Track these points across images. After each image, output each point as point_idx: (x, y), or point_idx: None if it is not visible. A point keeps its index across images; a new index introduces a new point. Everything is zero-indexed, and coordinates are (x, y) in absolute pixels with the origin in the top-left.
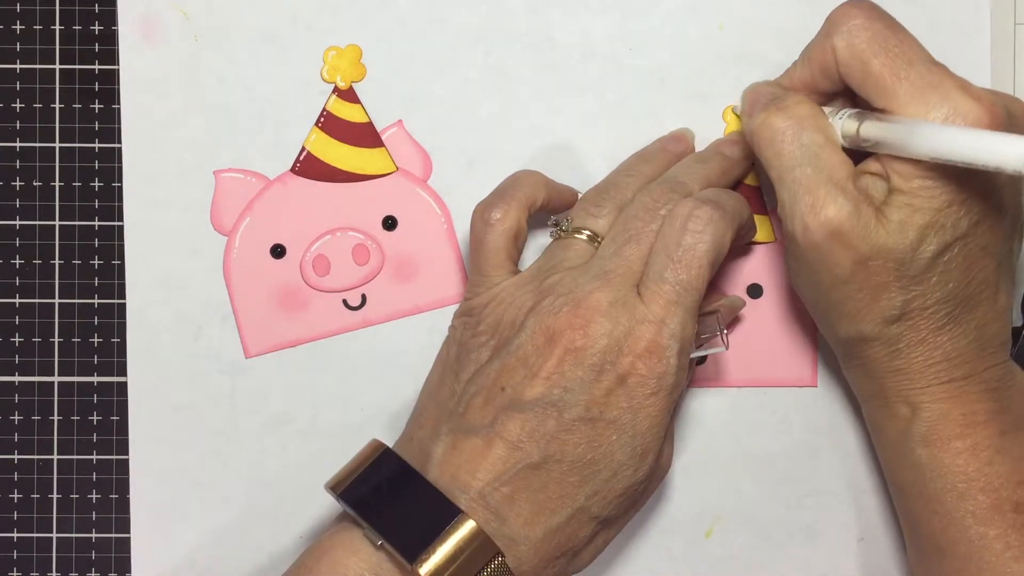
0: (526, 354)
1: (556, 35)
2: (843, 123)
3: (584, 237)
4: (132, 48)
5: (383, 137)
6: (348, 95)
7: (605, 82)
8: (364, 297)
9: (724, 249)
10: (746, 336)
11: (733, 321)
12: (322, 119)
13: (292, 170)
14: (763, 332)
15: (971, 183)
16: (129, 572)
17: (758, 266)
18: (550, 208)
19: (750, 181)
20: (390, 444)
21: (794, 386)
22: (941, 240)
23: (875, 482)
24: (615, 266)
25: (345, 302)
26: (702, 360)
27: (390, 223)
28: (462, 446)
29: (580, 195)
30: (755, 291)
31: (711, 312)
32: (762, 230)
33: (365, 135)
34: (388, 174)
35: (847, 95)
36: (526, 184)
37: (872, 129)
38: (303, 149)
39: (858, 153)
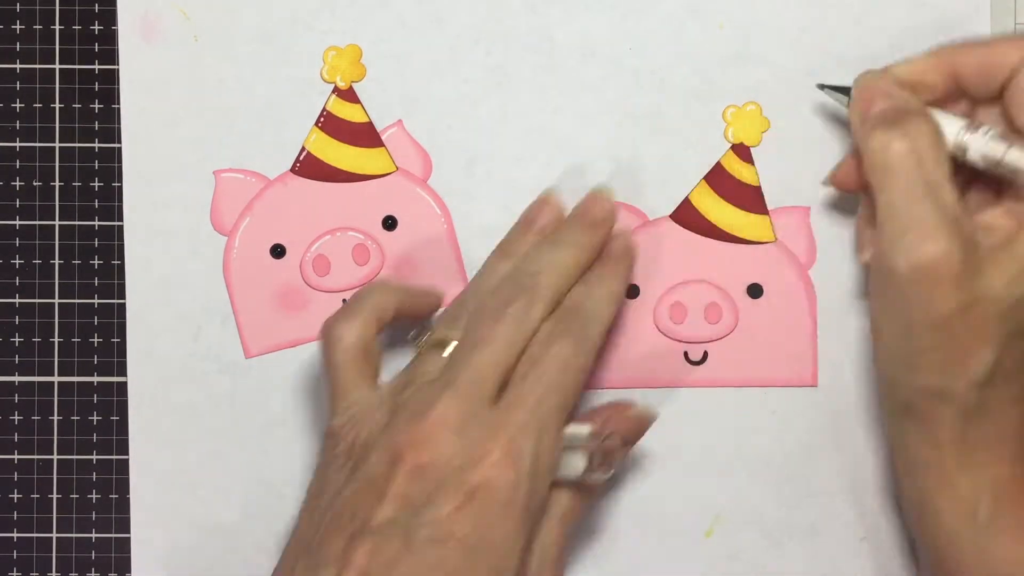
0: (374, 476)
1: (556, 35)
2: (987, 143)
3: (441, 349)
4: (132, 48)
5: (383, 137)
6: (348, 95)
7: (605, 82)
8: None
9: (590, 359)
10: (745, 336)
11: (726, 326)
12: (322, 119)
13: (292, 170)
14: (763, 332)
15: None
16: (129, 572)
17: (758, 266)
18: (408, 316)
19: (750, 180)
20: None
21: (794, 386)
22: None
23: (876, 482)
24: (462, 375)
25: (345, 302)
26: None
27: (390, 223)
28: None
29: (444, 296)
30: (755, 291)
31: (600, 434)
32: (762, 230)
33: (365, 135)
34: (388, 174)
35: (957, 102)
36: (374, 295)
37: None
38: (303, 149)
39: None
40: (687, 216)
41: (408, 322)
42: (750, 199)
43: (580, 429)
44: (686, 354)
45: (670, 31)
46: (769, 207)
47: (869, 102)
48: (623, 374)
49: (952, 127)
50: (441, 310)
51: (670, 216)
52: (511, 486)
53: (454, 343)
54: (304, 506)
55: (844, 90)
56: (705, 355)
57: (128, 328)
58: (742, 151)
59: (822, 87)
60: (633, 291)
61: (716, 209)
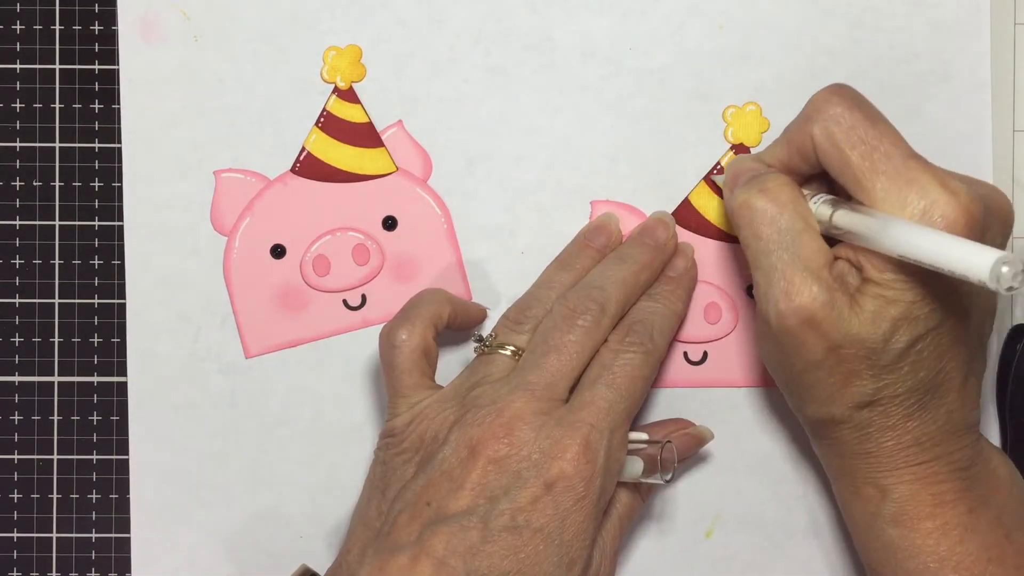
0: (450, 467)
1: (556, 35)
2: (817, 208)
3: (507, 352)
4: (132, 48)
5: (383, 137)
6: (348, 95)
7: (605, 82)
8: (364, 297)
9: (655, 370)
10: (745, 336)
11: (726, 326)
12: (322, 119)
13: (292, 170)
14: None
15: (943, 280)
16: (129, 572)
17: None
18: (457, 324)
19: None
20: None
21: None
22: (913, 332)
23: None
24: (536, 378)
25: (345, 302)
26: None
27: (390, 223)
28: (388, 567)
29: (488, 310)
30: (751, 289)
31: (660, 441)
32: None
33: (365, 135)
34: (388, 174)
35: (827, 178)
36: (430, 302)
37: (845, 219)
38: (303, 149)
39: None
40: (687, 216)
41: (458, 329)
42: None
43: (640, 435)
44: (686, 354)
45: (670, 31)
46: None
47: (736, 176)
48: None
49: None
50: (497, 316)
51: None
52: (586, 480)
53: (521, 348)
54: (366, 498)
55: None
56: (705, 355)
57: (128, 328)
58: (742, 151)
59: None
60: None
61: (716, 209)
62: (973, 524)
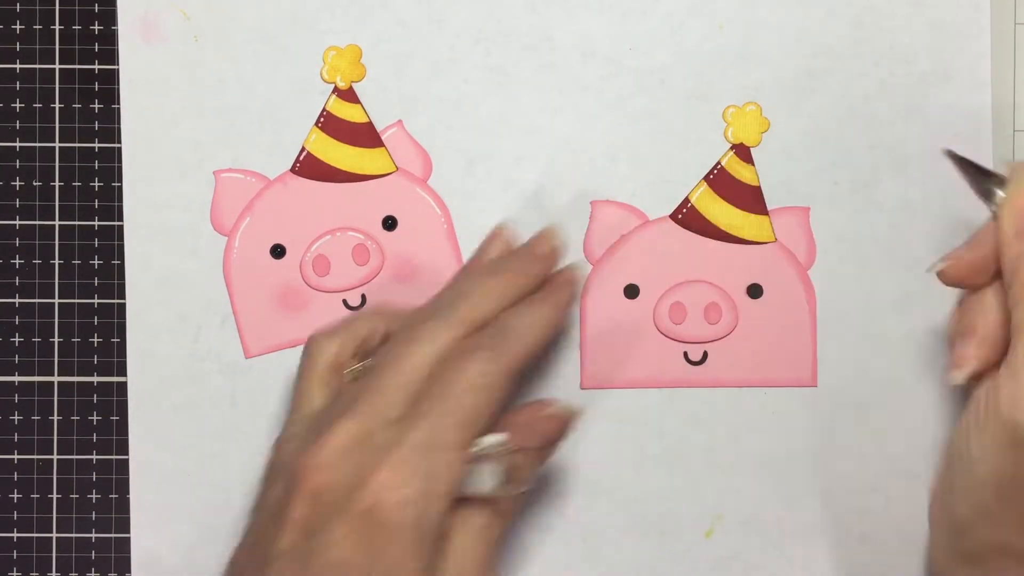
0: (277, 502)
1: (556, 35)
2: None
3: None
4: (132, 48)
5: (383, 137)
6: (348, 95)
7: (605, 82)
8: (364, 297)
9: (503, 377)
10: (745, 336)
11: (726, 326)
12: (322, 119)
13: (292, 170)
14: (763, 332)
15: None
16: (129, 572)
17: (758, 266)
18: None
19: (750, 180)
20: None
21: (794, 386)
22: None
23: (876, 482)
24: (363, 397)
25: (345, 302)
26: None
27: (390, 223)
28: None
29: None
30: (755, 291)
31: (510, 448)
32: (762, 230)
33: (365, 135)
34: (388, 174)
35: None
36: (364, 319)
37: None
38: (303, 149)
39: None
40: (687, 216)
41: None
42: (750, 199)
43: (492, 440)
44: (686, 354)
45: (670, 31)
46: (769, 207)
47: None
48: (624, 375)
49: None
50: None
51: (670, 216)
52: (399, 507)
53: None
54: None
55: (987, 174)
56: (705, 355)
57: (128, 328)
58: (742, 151)
59: (951, 156)
60: (633, 291)
61: (716, 209)
62: None
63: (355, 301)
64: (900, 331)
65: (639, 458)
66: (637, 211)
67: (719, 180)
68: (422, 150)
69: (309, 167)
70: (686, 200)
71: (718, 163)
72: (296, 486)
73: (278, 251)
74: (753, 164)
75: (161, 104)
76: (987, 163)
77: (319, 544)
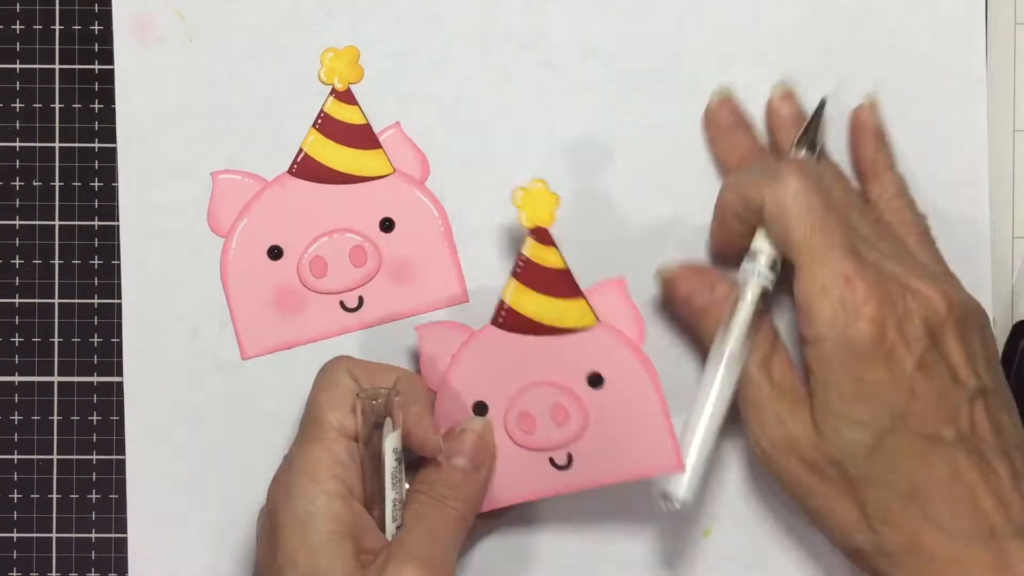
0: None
1: (554, 35)
2: (747, 276)
3: None
4: (127, 48)
5: (381, 139)
6: (345, 97)
7: (603, 82)
8: (361, 299)
9: None
10: (601, 429)
11: (578, 423)
12: (319, 121)
13: (289, 172)
14: (615, 421)
15: None
16: (127, 573)
17: (590, 353)
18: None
19: (555, 264)
20: None
21: (661, 473)
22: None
23: None
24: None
25: (342, 304)
26: None
27: (387, 225)
28: None
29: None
30: (595, 380)
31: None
32: (582, 314)
33: (362, 137)
34: (385, 176)
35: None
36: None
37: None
38: (300, 151)
39: None
40: (506, 318)
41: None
42: (561, 284)
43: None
44: (552, 460)
45: (668, 31)
46: (582, 287)
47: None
48: (500, 494)
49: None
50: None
51: (491, 323)
52: None
53: None
54: None
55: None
56: (570, 457)
57: (124, 328)
58: (541, 234)
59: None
60: (482, 408)
61: (531, 303)
62: None
63: (352, 303)
64: None
65: None
66: (459, 326)
67: (528, 272)
68: (420, 152)
69: (306, 168)
70: (501, 302)
71: (522, 255)
72: None
73: (275, 252)
74: (554, 245)
75: (156, 105)
76: (982, 163)
77: None
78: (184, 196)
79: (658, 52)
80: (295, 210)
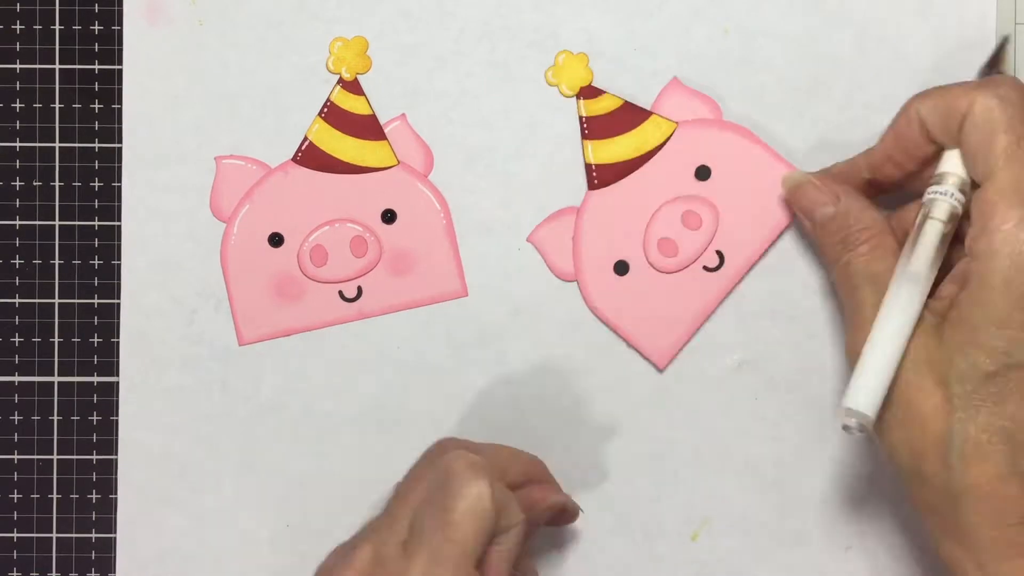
0: None
1: (561, 33)
2: (935, 197)
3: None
4: (136, 30)
5: (386, 130)
6: (352, 87)
7: (609, 82)
8: (360, 289)
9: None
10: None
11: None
12: (325, 109)
13: (294, 159)
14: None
15: None
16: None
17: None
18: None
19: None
20: None
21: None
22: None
23: (865, 490)
24: (381, 523)
25: (341, 293)
26: None
27: (389, 216)
28: None
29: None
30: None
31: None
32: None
33: (368, 127)
34: (389, 167)
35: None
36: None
37: (927, 231)
38: (305, 139)
39: None
40: (310, 156)
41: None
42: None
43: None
44: (341, 293)
45: (675, 33)
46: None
47: (810, 209)
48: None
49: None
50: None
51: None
52: None
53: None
54: None
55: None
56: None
57: (122, 309)
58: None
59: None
60: (276, 240)
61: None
62: None
63: (351, 293)
64: None
65: (626, 460)
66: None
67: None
68: (424, 145)
69: (311, 157)
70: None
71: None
72: None
73: (276, 240)
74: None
75: (164, 87)
76: None
77: None
78: (187, 179)
79: (664, 54)
80: (298, 198)
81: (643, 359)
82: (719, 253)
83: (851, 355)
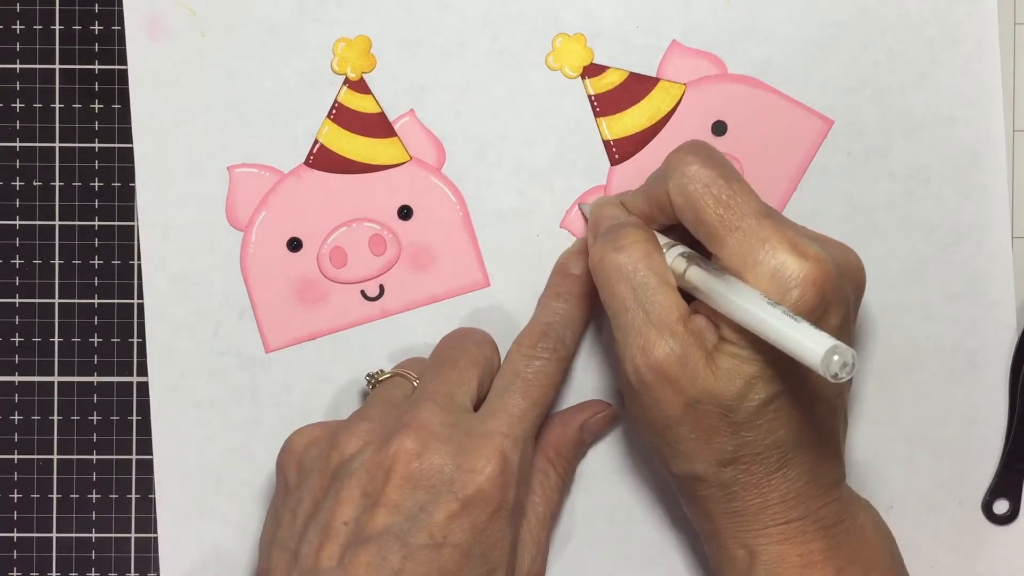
0: (363, 484)
1: (562, 16)
2: (673, 261)
3: (402, 374)
4: (139, 47)
5: (396, 127)
6: (359, 86)
7: (613, 61)
8: (382, 287)
9: (565, 375)
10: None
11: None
12: (334, 111)
13: (306, 163)
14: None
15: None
16: (129, 571)
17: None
18: None
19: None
20: None
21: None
22: (767, 391)
23: (897, 450)
24: (437, 388)
25: (363, 293)
26: None
27: (405, 212)
28: None
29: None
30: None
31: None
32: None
33: (377, 125)
34: (402, 164)
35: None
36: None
37: (696, 277)
38: (316, 142)
39: None
40: (322, 159)
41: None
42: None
43: None
44: (363, 292)
45: (677, 7)
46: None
47: (595, 224)
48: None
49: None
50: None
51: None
52: (501, 493)
53: (405, 372)
54: (274, 517)
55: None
56: (381, 289)
57: (147, 326)
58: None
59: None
60: (295, 245)
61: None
62: None
63: (373, 292)
64: (915, 298)
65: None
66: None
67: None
68: (435, 138)
69: (323, 159)
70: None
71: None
72: (390, 469)
73: (294, 244)
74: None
75: (171, 101)
76: (999, 126)
77: (420, 525)
78: (202, 191)
79: (667, 30)
80: (313, 201)
81: None
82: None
83: (633, 373)
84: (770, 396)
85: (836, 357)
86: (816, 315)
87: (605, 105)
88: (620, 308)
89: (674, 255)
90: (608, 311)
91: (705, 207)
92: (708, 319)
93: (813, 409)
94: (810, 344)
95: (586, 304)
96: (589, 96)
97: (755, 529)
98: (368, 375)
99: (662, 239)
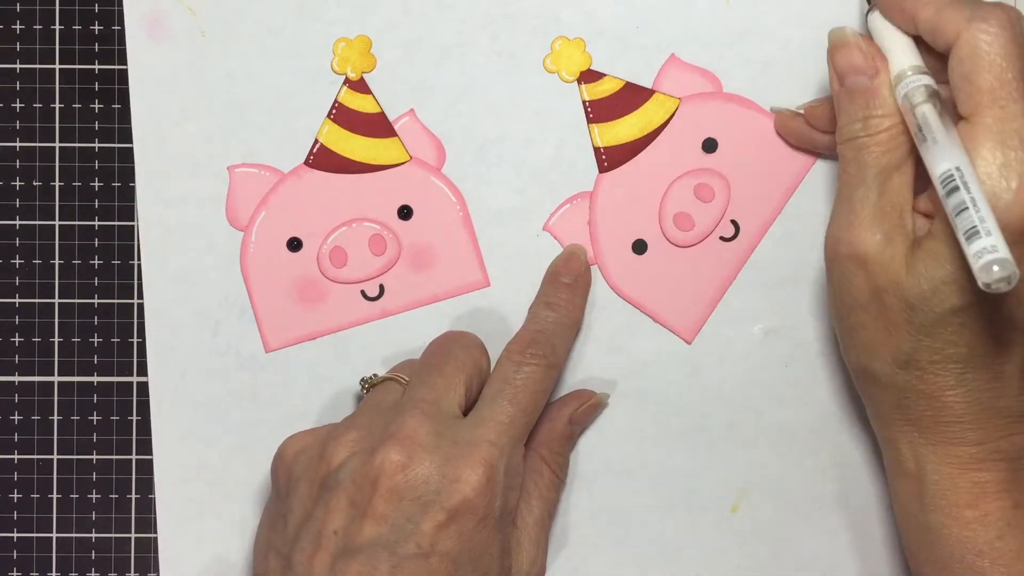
0: (351, 495)
1: (562, 15)
2: (913, 87)
3: (393, 379)
4: (139, 47)
5: (396, 127)
6: (359, 86)
7: (613, 61)
8: (382, 287)
9: (555, 382)
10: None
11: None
12: (334, 111)
13: (306, 163)
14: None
15: None
16: (130, 572)
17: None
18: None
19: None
20: None
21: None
22: (957, 300)
23: None
24: (423, 395)
25: (363, 293)
26: None
27: (405, 212)
28: None
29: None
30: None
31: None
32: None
33: (378, 125)
34: (402, 163)
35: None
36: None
37: (928, 114)
38: (316, 141)
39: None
40: (322, 159)
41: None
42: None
43: None
44: (363, 293)
45: (677, 7)
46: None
47: (844, 71)
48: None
49: (904, 64)
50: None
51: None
52: (488, 503)
53: (404, 379)
54: (268, 523)
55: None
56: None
57: (147, 326)
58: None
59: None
60: (295, 245)
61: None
62: (1018, 520)
63: (373, 292)
64: None
65: (661, 437)
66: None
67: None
68: (435, 138)
69: (323, 159)
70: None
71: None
72: (376, 481)
73: (295, 244)
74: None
75: (171, 102)
76: None
77: (407, 536)
78: (202, 191)
79: (667, 29)
80: (313, 201)
81: (669, 336)
82: (734, 223)
83: (831, 244)
84: (957, 306)
85: (996, 268)
86: (1015, 236)
87: (599, 112)
88: (851, 183)
89: (919, 82)
90: (839, 181)
91: (986, 71)
92: (925, 217)
93: (1003, 331)
94: (984, 238)
95: (576, 312)
96: (584, 102)
97: (929, 445)
98: (362, 380)
99: (915, 58)
